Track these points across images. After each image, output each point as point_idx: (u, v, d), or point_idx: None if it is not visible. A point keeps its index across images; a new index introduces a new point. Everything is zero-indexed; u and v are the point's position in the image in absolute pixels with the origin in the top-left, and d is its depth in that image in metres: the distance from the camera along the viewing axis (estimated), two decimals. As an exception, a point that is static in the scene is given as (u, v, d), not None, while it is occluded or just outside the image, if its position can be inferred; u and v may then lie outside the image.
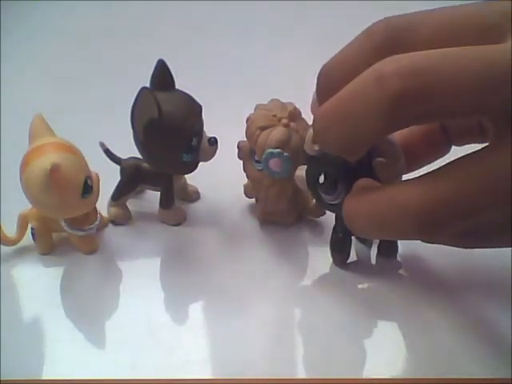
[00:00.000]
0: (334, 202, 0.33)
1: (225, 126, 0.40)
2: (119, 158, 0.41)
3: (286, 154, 0.36)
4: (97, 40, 0.67)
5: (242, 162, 0.41)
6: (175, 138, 0.36)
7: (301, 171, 0.35)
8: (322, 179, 0.33)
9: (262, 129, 0.37)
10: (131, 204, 0.42)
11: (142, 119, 0.36)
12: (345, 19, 0.67)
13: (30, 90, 0.57)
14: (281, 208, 0.39)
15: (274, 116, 0.37)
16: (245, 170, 0.41)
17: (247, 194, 0.42)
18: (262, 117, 0.38)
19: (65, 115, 0.50)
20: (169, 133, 0.36)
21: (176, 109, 0.36)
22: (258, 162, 0.38)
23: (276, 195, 0.38)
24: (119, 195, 0.41)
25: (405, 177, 0.33)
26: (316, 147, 0.33)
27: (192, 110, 0.37)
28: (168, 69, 0.37)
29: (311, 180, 0.34)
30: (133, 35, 0.68)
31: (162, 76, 0.37)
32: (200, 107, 0.38)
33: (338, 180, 0.32)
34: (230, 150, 0.40)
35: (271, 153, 0.36)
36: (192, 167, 0.39)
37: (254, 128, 0.38)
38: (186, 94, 0.38)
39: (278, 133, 0.37)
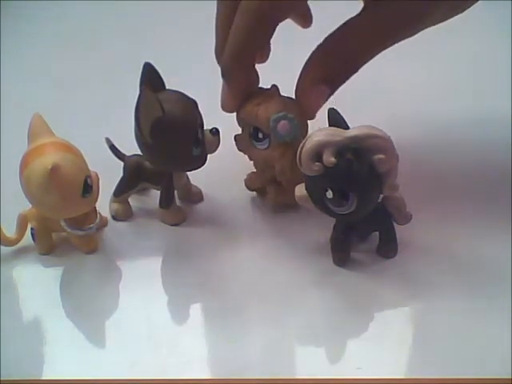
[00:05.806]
0: (347, 212, 0.33)
1: (223, 126, 0.40)
2: (123, 155, 0.41)
3: (290, 115, 0.37)
4: (97, 40, 0.67)
5: (243, 154, 0.40)
6: (183, 131, 0.36)
7: (301, 192, 0.35)
8: (330, 194, 0.33)
9: (258, 104, 0.38)
10: (134, 200, 0.42)
11: (148, 120, 0.36)
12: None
13: (30, 90, 0.57)
14: (299, 174, 0.36)
15: (258, 103, 0.38)
16: (250, 159, 0.40)
17: (250, 187, 0.42)
18: (250, 104, 0.38)
19: (65, 115, 0.50)
20: (176, 127, 0.36)
21: (176, 105, 0.37)
22: (259, 140, 0.38)
23: (290, 163, 0.38)
24: (121, 191, 0.41)
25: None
26: (316, 167, 0.32)
27: (190, 104, 0.38)
28: (156, 70, 0.38)
29: (317, 197, 0.34)
30: (133, 35, 0.68)
31: (152, 78, 0.37)
32: (195, 102, 0.38)
33: (348, 191, 0.32)
34: (228, 150, 0.40)
35: (277, 117, 0.37)
36: (202, 161, 0.39)
37: (250, 106, 0.38)
38: (178, 91, 0.38)
39: (274, 102, 0.38)
